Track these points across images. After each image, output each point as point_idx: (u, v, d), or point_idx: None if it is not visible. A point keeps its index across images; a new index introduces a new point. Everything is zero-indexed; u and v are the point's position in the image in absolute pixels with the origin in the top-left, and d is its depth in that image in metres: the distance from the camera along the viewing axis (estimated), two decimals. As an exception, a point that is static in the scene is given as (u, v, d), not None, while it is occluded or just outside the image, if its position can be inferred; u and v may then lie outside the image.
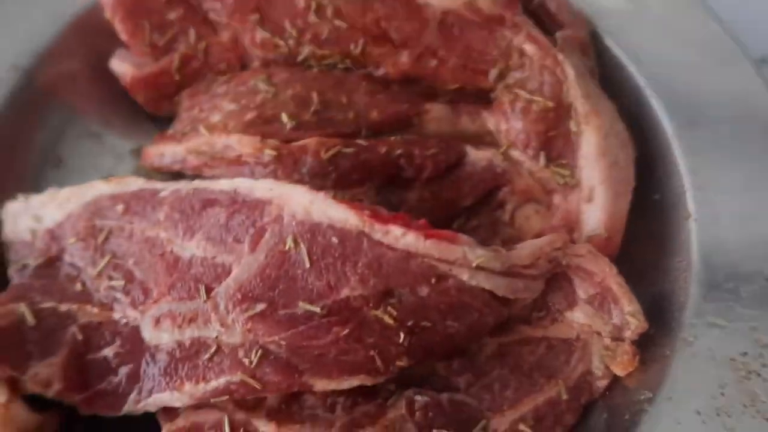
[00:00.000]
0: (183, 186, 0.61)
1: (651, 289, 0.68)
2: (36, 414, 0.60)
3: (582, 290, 0.66)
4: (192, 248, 0.60)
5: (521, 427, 0.64)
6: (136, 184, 0.65)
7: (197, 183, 0.61)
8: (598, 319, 0.65)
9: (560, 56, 0.69)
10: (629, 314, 0.64)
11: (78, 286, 0.64)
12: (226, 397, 0.56)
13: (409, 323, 0.57)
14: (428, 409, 0.61)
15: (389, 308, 0.58)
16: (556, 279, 0.65)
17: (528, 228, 0.72)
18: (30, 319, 0.61)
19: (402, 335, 0.57)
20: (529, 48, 0.71)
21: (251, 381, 0.55)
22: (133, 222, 0.63)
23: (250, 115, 0.68)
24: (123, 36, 0.73)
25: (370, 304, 0.57)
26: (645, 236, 0.72)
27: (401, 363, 0.57)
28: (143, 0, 0.74)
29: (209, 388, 0.56)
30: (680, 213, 0.70)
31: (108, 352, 0.61)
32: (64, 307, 0.63)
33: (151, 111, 0.76)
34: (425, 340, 0.58)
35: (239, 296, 0.57)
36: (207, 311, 0.58)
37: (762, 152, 0.68)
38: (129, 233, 0.63)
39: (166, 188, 0.62)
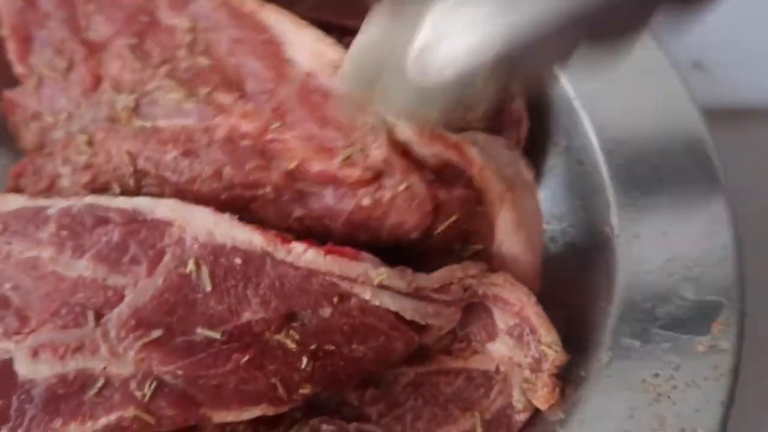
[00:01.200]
0: (74, 202, 0.60)
1: (569, 308, 0.70)
2: None
3: (501, 321, 0.67)
4: (80, 268, 0.58)
5: None
6: (17, 202, 0.62)
7: (91, 198, 0.60)
8: (518, 350, 0.67)
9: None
10: (546, 345, 0.65)
11: None
12: None
13: (312, 347, 0.57)
14: None
15: (291, 332, 0.57)
16: (476, 309, 0.67)
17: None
18: None
19: (305, 360, 0.57)
20: (404, 131, 0.66)
21: (145, 416, 0.54)
22: (11, 243, 0.60)
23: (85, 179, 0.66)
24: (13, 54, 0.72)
25: (272, 329, 0.57)
26: (568, 252, 0.75)
27: (305, 390, 0.57)
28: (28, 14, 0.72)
29: (98, 427, 0.54)
30: (604, 229, 0.71)
31: None
32: None
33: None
34: (330, 365, 0.58)
35: (133, 322, 0.56)
36: (95, 339, 0.56)
37: (686, 172, 0.71)
38: (6, 254, 0.60)
39: (54, 205, 0.60)
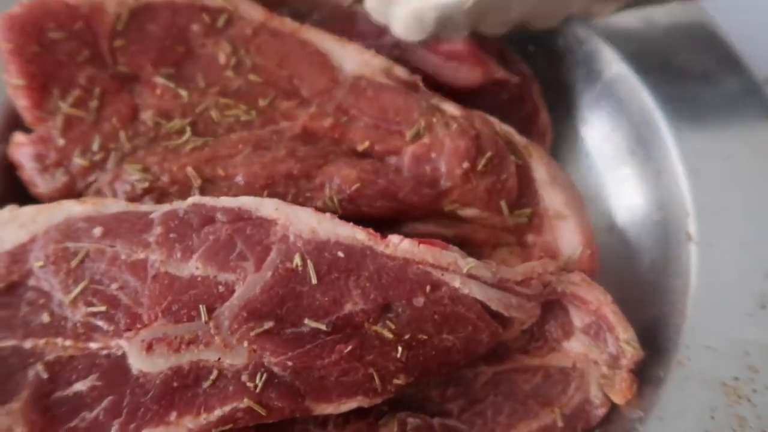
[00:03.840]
0: (178, 205, 0.64)
1: (647, 311, 0.74)
2: None
3: (578, 319, 0.71)
4: (190, 268, 0.62)
5: None
6: (117, 206, 0.66)
7: (196, 199, 0.64)
8: (595, 347, 0.71)
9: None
10: (624, 342, 0.69)
11: (45, 317, 0.62)
12: (229, 426, 0.58)
13: (407, 336, 0.62)
14: (420, 430, 0.65)
15: (388, 322, 0.62)
16: (553, 308, 0.71)
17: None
18: None
19: (400, 350, 0.61)
20: (448, 106, 0.76)
21: (257, 407, 0.57)
22: (115, 245, 0.63)
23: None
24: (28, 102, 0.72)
25: (371, 320, 0.61)
26: (645, 258, 0.80)
27: (398, 381, 0.61)
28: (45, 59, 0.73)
29: (213, 418, 0.57)
30: (681, 236, 0.76)
31: (81, 386, 0.59)
32: (28, 344, 0.61)
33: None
34: (422, 354, 0.62)
35: (245, 314, 0.59)
36: (209, 332, 0.59)
37: (761, 178, 0.77)
38: (111, 257, 0.63)
39: (156, 209, 0.65)
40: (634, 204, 0.83)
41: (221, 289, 0.60)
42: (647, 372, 0.70)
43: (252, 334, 0.58)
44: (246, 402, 0.57)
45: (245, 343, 0.58)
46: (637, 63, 0.83)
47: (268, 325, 0.59)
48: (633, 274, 0.78)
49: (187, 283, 0.61)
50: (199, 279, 0.61)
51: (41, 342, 0.61)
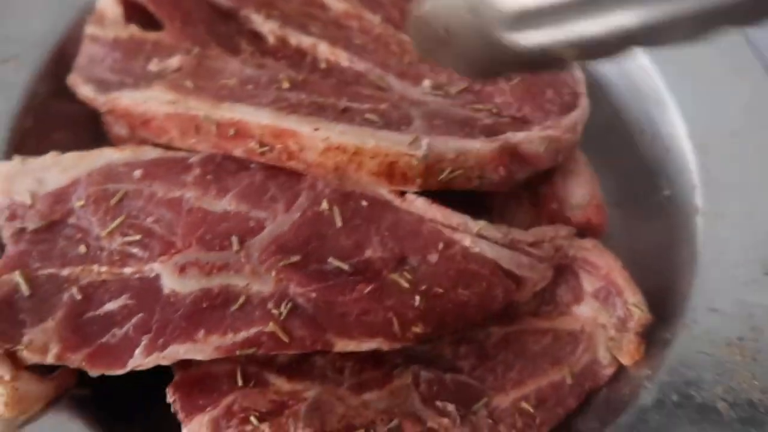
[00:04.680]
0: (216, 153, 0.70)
1: (655, 280, 0.77)
2: (47, 381, 0.63)
3: (588, 283, 0.75)
4: (224, 205, 0.67)
5: (523, 405, 0.71)
6: (155, 152, 0.71)
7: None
8: (604, 311, 0.75)
9: None
10: (633, 305, 0.73)
11: (81, 248, 0.66)
12: (252, 350, 0.61)
13: (423, 288, 0.65)
14: (432, 383, 0.69)
15: (405, 273, 0.66)
16: (564, 273, 0.75)
17: (518, 223, 0.78)
18: (25, 289, 0.63)
19: (417, 299, 0.65)
20: None
21: (281, 333, 0.61)
22: (153, 185, 0.68)
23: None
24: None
25: (389, 267, 0.65)
26: (654, 231, 0.85)
27: (417, 329, 0.64)
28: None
29: (238, 339, 0.60)
30: (688, 208, 0.81)
31: (112, 306, 0.63)
32: (65, 272, 0.65)
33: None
34: (439, 306, 0.65)
35: (273, 247, 0.64)
36: (239, 260, 0.64)
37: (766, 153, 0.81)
38: (149, 195, 0.68)
39: (194, 155, 0.70)
40: (642, 181, 0.88)
41: (252, 224, 0.65)
42: (654, 335, 0.73)
43: (280, 264, 0.62)
44: (271, 326, 0.60)
45: (273, 273, 0.62)
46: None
47: (295, 258, 0.63)
48: (641, 246, 0.81)
49: (220, 217, 0.65)
50: (232, 214, 0.65)
51: (77, 269, 0.65)
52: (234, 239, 0.64)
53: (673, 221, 0.82)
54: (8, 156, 0.74)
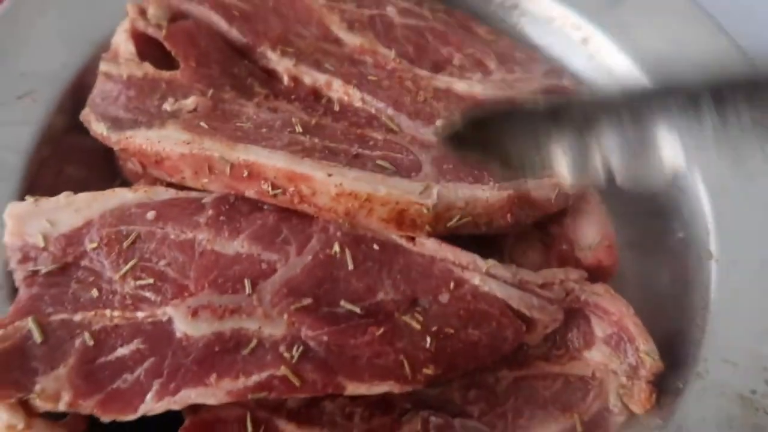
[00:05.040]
0: (228, 193, 0.72)
1: (667, 325, 0.78)
2: (58, 428, 0.65)
3: (599, 329, 0.76)
4: (236, 247, 0.68)
5: None
6: (168, 193, 0.73)
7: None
8: (615, 357, 0.75)
9: None
10: (644, 353, 0.74)
11: (94, 292, 0.67)
12: (264, 394, 0.61)
13: (434, 329, 0.67)
14: (441, 429, 0.69)
15: (416, 314, 0.67)
16: (575, 317, 0.76)
17: (529, 264, 0.80)
18: (37, 336, 0.64)
19: (428, 340, 0.66)
20: None
21: (293, 377, 0.61)
22: (166, 227, 0.69)
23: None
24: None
25: (401, 310, 0.67)
26: (667, 274, 0.85)
27: (428, 371, 0.65)
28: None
29: (250, 383, 0.61)
30: (702, 253, 0.81)
31: (124, 351, 0.64)
32: (77, 317, 0.66)
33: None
34: (449, 347, 0.67)
35: (285, 290, 0.65)
36: (251, 304, 0.64)
37: None
38: (161, 237, 0.69)
39: (208, 195, 0.72)
40: (657, 223, 0.88)
41: (264, 266, 0.66)
42: (666, 383, 0.73)
43: (292, 308, 0.63)
44: (282, 370, 0.60)
45: (285, 316, 0.63)
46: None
47: (307, 301, 0.64)
48: (654, 290, 0.82)
49: (233, 259, 0.66)
50: (244, 256, 0.67)
51: (90, 314, 0.65)
52: (246, 282, 0.65)
53: (687, 264, 0.83)
54: (24, 191, 0.76)
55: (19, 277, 0.69)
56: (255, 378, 0.61)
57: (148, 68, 0.79)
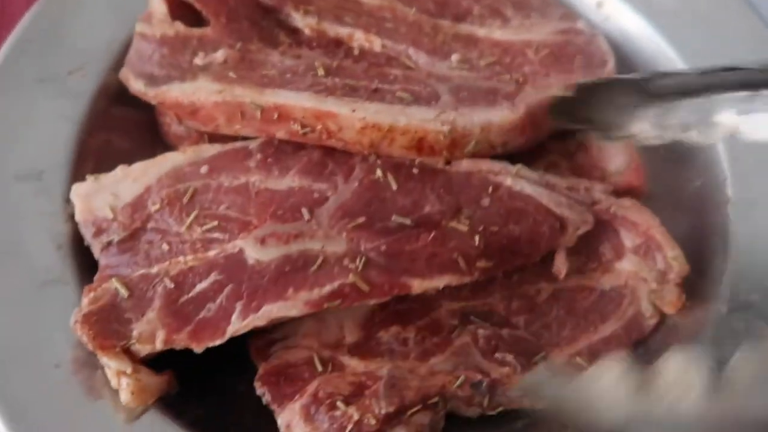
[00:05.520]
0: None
1: (692, 268, 0.86)
2: (160, 376, 0.74)
3: (628, 240, 0.87)
4: (288, 182, 0.80)
5: (578, 360, 0.81)
6: (214, 148, 0.84)
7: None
8: (644, 266, 0.85)
9: None
10: (672, 259, 0.84)
11: (164, 247, 0.78)
12: (338, 302, 0.72)
13: (480, 229, 0.79)
14: (490, 339, 0.80)
15: (463, 219, 0.79)
16: (605, 231, 0.87)
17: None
18: (123, 292, 0.75)
19: (477, 238, 0.78)
20: None
21: (361, 283, 0.73)
22: (219, 177, 0.82)
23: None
24: None
25: (447, 217, 0.79)
26: (686, 222, 0.92)
27: (481, 264, 0.77)
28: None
29: (324, 293, 0.73)
30: (719, 198, 0.89)
31: (203, 285, 0.75)
32: (154, 269, 0.77)
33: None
34: (496, 242, 0.79)
35: (341, 213, 0.78)
36: (311, 228, 0.77)
37: None
38: (217, 187, 0.81)
39: (253, 142, 0.83)
40: (674, 173, 0.96)
41: (316, 195, 0.80)
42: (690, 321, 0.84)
43: (349, 226, 0.77)
44: (351, 278, 0.74)
45: (343, 234, 0.77)
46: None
47: (361, 219, 0.78)
48: (675, 237, 0.88)
49: (287, 193, 0.80)
50: (297, 189, 0.80)
51: (165, 264, 0.77)
52: (304, 210, 0.78)
53: (706, 211, 0.92)
54: (76, 165, 0.87)
55: (96, 250, 0.80)
56: (328, 288, 0.73)
57: (180, 27, 0.90)
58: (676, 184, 0.95)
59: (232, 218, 0.77)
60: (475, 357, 0.78)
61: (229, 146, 0.83)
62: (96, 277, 0.77)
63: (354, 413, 0.71)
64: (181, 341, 0.73)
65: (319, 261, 0.74)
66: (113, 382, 0.73)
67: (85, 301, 0.74)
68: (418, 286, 0.74)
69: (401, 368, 0.76)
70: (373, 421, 0.71)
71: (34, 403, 0.71)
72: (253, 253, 0.74)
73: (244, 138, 0.84)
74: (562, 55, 0.94)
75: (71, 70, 0.91)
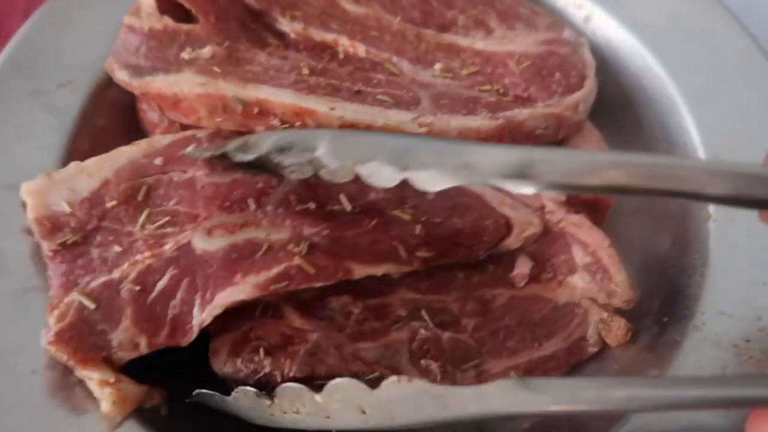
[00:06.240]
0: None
1: (668, 284, 0.91)
2: (140, 386, 0.78)
3: (579, 258, 0.95)
4: (231, 175, 0.88)
5: (511, 374, 0.86)
6: (167, 138, 0.91)
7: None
8: (594, 285, 0.94)
9: None
10: (616, 284, 0.92)
11: (117, 249, 0.81)
12: (284, 283, 0.79)
13: (423, 219, 0.90)
14: (426, 342, 0.85)
15: (406, 209, 0.90)
16: (559, 243, 0.94)
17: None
18: (89, 304, 0.79)
19: (418, 228, 0.87)
20: None
21: (306, 265, 0.82)
22: (171, 171, 0.92)
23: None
24: None
25: (391, 206, 0.90)
26: (668, 237, 0.96)
27: (421, 254, 0.87)
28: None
29: (271, 275, 0.79)
30: (701, 215, 0.91)
31: (163, 282, 0.80)
32: (115, 274, 0.82)
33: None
34: (438, 234, 0.89)
35: (286, 201, 0.89)
36: (257, 217, 0.87)
37: None
38: (167, 182, 0.93)
39: (202, 131, 0.89)
40: None
41: (261, 185, 0.90)
42: (665, 337, 0.86)
43: (293, 213, 0.87)
44: (296, 260, 0.84)
45: (287, 221, 0.89)
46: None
47: (305, 206, 0.89)
48: (655, 253, 0.96)
49: (231, 185, 0.89)
50: (242, 181, 0.91)
51: (124, 267, 0.83)
52: (251, 201, 0.89)
53: (687, 227, 0.95)
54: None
55: (45, 250, 0.84)
56: (275, 270, 0.82)
57: (168, 21, 1.00)
58: (660, 200, 0.99)
59: (181, 213, 0.88)
60: (401, 358, 0.84)
61: (180, 135, 0.92)
62: (53, 293, 0.81)
63: (267, 366, 0.80)
64: (164, 343, 0.79)
65: (265, 247, 0.84)
66: (95, 392, 0.78)
67: (51, 320, 0.80)
68: (359, 271, 0.86)
69: (330, 339, 0.84)
70: (278, 379, 0.80)
71: (9, 409, 0.74)
72: (201, 243, 0.85)
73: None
74: (543, 66, 0.99)
75: (61, 83, 1.01)
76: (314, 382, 0.78)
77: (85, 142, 0.99)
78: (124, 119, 1.01)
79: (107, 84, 1.00)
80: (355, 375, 0.80)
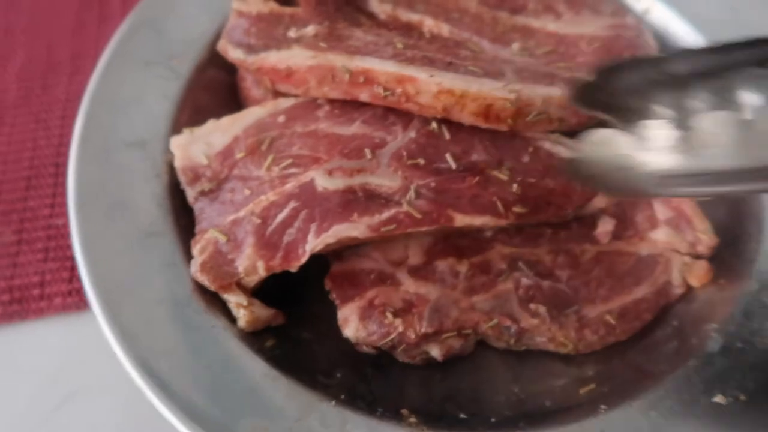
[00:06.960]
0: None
1: (726, 249, 0.98)
2: (269, 309, 0.93)
3: (661, 213, 1.07)
4: (353, 129, 1.07)
5: (607, 317, 0.97)
6: (289, 101, 1.10)
7: None
8: (676, 237, 1.05)
9: None
10: (700, 232, 1.04)
11: (246, 192, 1.00)
12: (393, 226, 0.92)
13: (518, 179, 1.02)
14: (530, 289, 0.99)
15: (503, 170, 1.01)
16: (640, 203, 1.07)
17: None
18: (222, 238, 0.96)
19: (515, 186, 1.01)
20: None
21: (413, 210, 0.97)
22: (294, 126, 1.08)
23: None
24: None
25: (490, 166, 1.02)
26: (724, 206, 1.03)
27: (517, 209, 0.99)
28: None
29: (382, 218, 0.94)
30: None
31: (283, 215, 0.95)
32: (242, 213, 0.99)
33: None
34: (532, 192, 1.01)
35: (398, 155, 1.03)
36: (372, 165, 1.02)
37: None
38: (291, 133, 1.09)
39: (321, 99, 1.10)
40: None
41: (377, 140, 1.09)
42: (723, 293, 0.94)
43: (404, 165, 1.02)
44: (405, 206, 0.98)
45: (399, 173, 1.03)
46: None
47: (415, 161, 1.03)
48: (714, 221, 1.00)
49: (351, 137, 1.07)
50: (360, 134, 1.08)
51: (250, 206, 0.99)
52: (367, 151, 1.05)
53: (742, 198, 1.02)
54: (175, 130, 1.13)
55: (190, 196, 1.02)
56: (386, 214, 0.96)
57: (273, 5, 1.22)
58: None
59: (304, 156, 1.03)
60: (512, 304, 0.98)
61: (302, 99, 1.10)
62: (196, 230, 1.00)
63: (399, 325, 0.93)
64: (278, 266, 0.92)
65: (378, 192, 0.96)
66: (234, 312, 0.94)
67: (195, 252, 0.97)
68: (460, 220, 0.98)
69: (447, 297, 0.97)
70: (412, 336, 0.95)
71: (141, 330, 0.87)
72: (323, 181, 0.98)
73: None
74: (612, 47, 1.14)
75: (172, 56, 1.18)
76: (445, 335, 0.90)
77: (192, 109, 1.08)
78: (224, 89, 1.12)
79: (210, 57, 1.13)
80: (477, 323, 0.91)
